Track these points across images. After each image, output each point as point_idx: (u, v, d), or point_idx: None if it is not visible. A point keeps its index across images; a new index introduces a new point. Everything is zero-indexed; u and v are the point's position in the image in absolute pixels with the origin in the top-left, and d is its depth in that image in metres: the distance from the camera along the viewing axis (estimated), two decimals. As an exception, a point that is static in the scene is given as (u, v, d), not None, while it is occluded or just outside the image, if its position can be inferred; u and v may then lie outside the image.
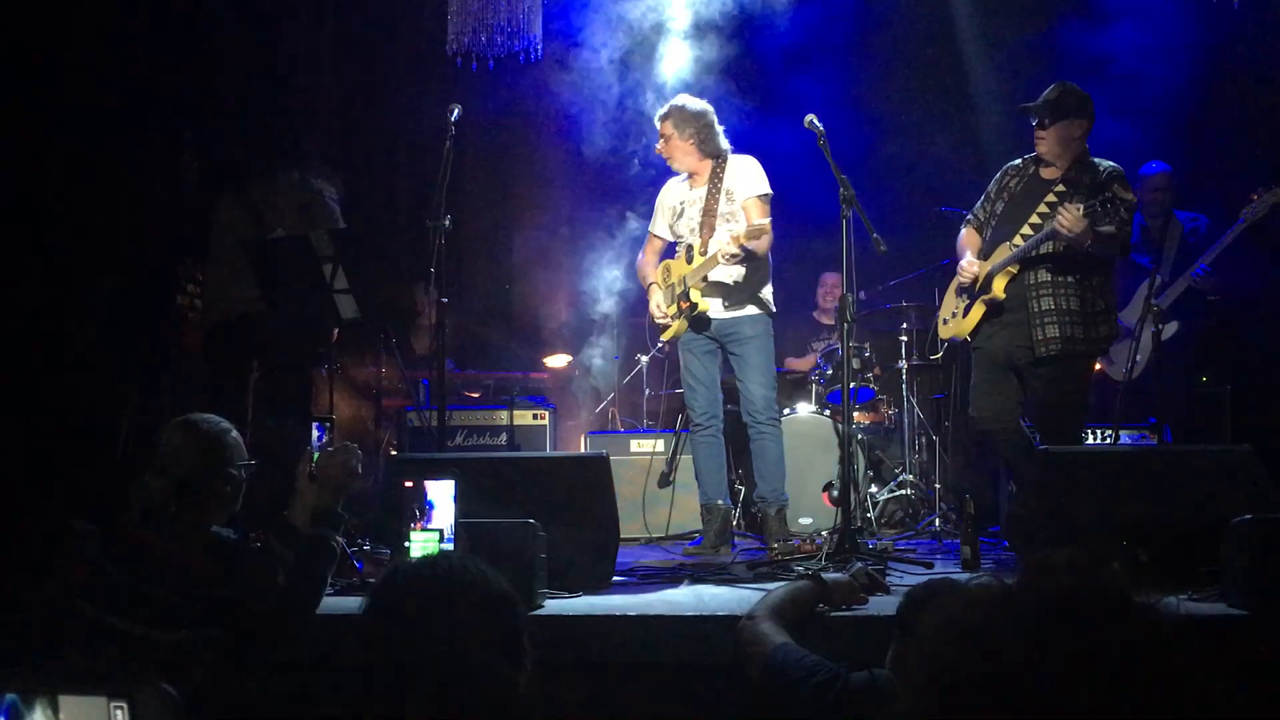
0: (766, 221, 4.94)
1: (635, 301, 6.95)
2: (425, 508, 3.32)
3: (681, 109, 5.13)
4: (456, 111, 5.04)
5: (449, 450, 5.27)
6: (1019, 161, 4.88)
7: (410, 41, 7.59)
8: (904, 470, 6.41)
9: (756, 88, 7.21)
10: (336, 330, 5.47)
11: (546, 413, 6.17)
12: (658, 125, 5.19)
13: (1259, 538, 3.22)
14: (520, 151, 7.85)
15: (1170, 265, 6.04)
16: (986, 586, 1.15)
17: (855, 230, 4.67)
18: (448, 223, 4.86)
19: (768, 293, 5.15)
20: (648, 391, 6.89)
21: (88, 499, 4.26)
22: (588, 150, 7.59)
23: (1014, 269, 4.64)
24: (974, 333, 4.78)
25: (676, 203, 5.28)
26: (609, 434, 6.55)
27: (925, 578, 3.51)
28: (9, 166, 5.69)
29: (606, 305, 7.11)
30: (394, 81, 7.78)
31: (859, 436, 6.18)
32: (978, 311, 4.73)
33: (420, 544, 3.32)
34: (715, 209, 5.06)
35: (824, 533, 5.36)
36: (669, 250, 5.34)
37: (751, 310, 5.10)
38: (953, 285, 4.97)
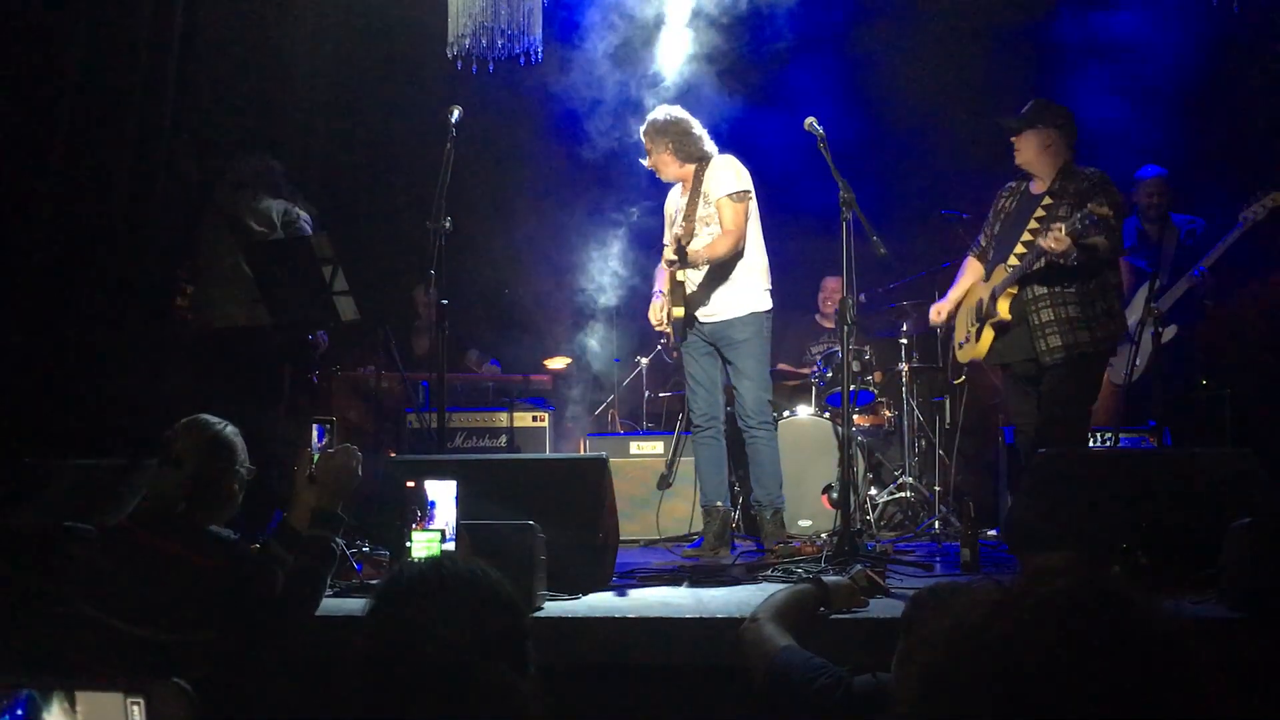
0: (732, 221, 4.96)
1: (635, 303, 6.95)
2: (427, 508, 3.32)
3: (654, 122, 5.16)
4: (457, 114, 5.04)
5: (448, 451, 5.27)
6: (1012, 183, 4.99)
7: (410, 44, 7.59)
8: (903, 473, 6.41)
9: (756, 87, 7.21)
10: (321, 339, 5.53)
11: (546, 414, 6.17)
12: (642, 140, 5.22)
13: (1258, 541, 3.22)
14: (520, 154, 7.84)
15: (1168, 268, 6.04)
16: (985, 588, 1.15)
17: (855, 233, 4.68)
18: (448, 224, 4.86)
19: (759, 290, 5.13)
20: (647, 393, 6.89)
21: (87, 499, 4.27)
22: (588, 153, 7.59)
23: (1014, 289, 4.73)
24: (989, 354, 4.87)
25: (673, 211, 5.30)
26: (608, 436, 6.55)
27: (931, 582, 3.52)
28: (8, 166, 5.69)
29: (606, 307, 7.11)
30: (394, 84, 7.78)
31: (859, 439, 6.18)
32: (988, 335, 4.84)
33: (421, 544, 3.33)
34: (695, 213, 5.07)
35: (824, 535, 5.37)
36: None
37: (740, 312, 5.09)
38: (962, 310, 5.07)
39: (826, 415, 6.35)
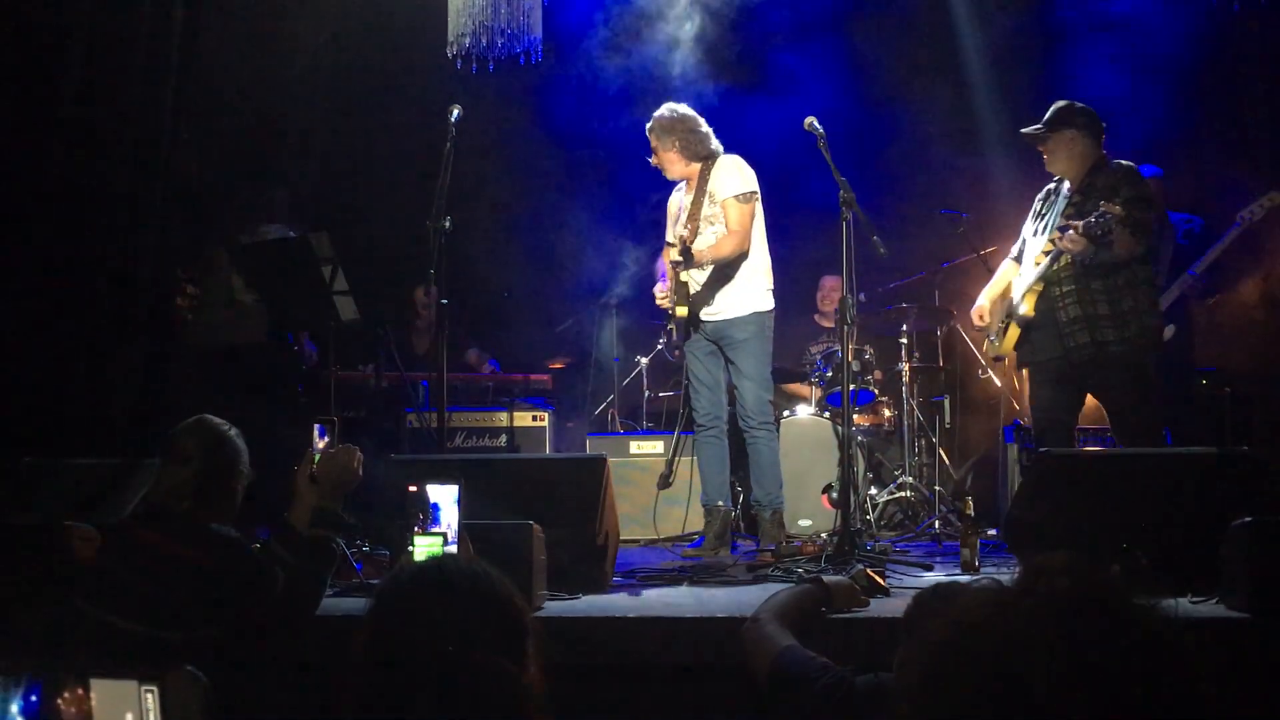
0: (738, 221, 4.97)
1: (635, 303, 6.95)
2: (430, 511, 3.32)
3: (661, 119, 5.15)
4: (457, 113, 5.04)
5: (448, 452, 5.27)
6: (1050, 185, 4.98)
7: (410, 43, 7.59)
8: (903, 472, 6.42)
9: (755, 86, 7.21)
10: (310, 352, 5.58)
11: (546, 414, 6.17)
12: (648, 138, 5.21)
13: (1258, 540, 3.22)
14: (520, 153, 7.84)
15: (1165, 268, 6.04)
16: (985, 588, 1.16)
17: (855, 232, 4.68)
18: (447, 224, 4.86)
19: (762, 290, 5.13)
20: (647, 393, 6.89)
21: (87, 499, 4.27)
22: (589, 152, 7.60)
23: (1040, 286, 4.73)
24: (1017, 349, 4.86)
25: (676, 209, 5.30)
26: (608, 435, 6.55)
27: (932, 582, 3.52)
28: (8, 166, 5.69)
29: (608, 306, 7.11)
30: (394, 83, 7.78)
31: (859, 439, 6.18)
32: (1013, 332, 4.83)
33: (424, 548, 3.32)
34: (699, 212, 5.07)
35: (824, 535, 5.37)
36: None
37: (741, 311, 5.09)
38: (991, 302, 5.05)
39: (827, 415, 6.35)
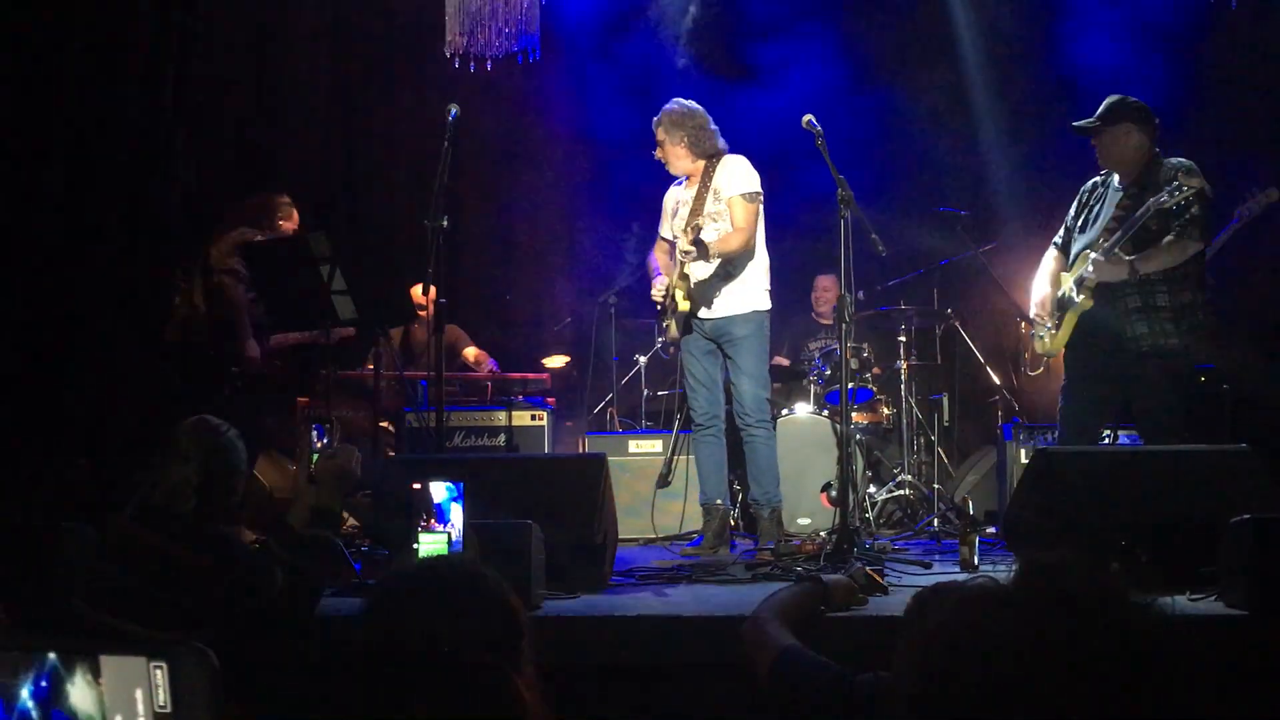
0: (744, 220, 4.97)
1: (635, 302, 6.95)
2: (434, 511, 3.32)
3: (670, 113, 5.15)
4: (454, 112, 5.04)
5: (447, 451, 5.27)
6: (1097, 177, 4.93)
7: (408, 42, 7.59)
8: (902, 470, 6.42)
9: (751, 84, 7.21)
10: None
11: (544, 413, 6.17)
12: (654, 131, 5.20)
13: (1257, 537, 3.22)
14: (518, 152, 7.84)
15: None
16: (982, 586, 1.15)
17: (852, 230, 4.68)
18: (445, 223, 4.86)
19: (761, 290, 5.14)
20: (646, 392, 6.89)
21: (84, 499, 4.27)
22: (587, 150, 7.60)
23: (1094, 282, 4.66)
24: (1068, 344, 4.81)
25: (674, 203, 5.29)
26: (607, 434, 6.54)
27: (932, 581, 3.51)
28: (8, 167, 5.69)
29: (606, 305, 7.11)
30: (392, 82, 7.77)
31: (857, 437, 6.18)
32: (1070, 323, 4.76)
33: (428, 547, 3.32)
34: (702, 208, 5.06)
35: (822, 533, 5.37)
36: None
37: (741, 309, 5.09)
38: (1042, 302, 4.99)
39: (825, 413, 6.35)
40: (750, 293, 5.11)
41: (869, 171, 6.40)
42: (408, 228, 7.38)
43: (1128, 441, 5.58)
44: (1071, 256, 4.87)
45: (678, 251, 5.05)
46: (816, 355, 6.87)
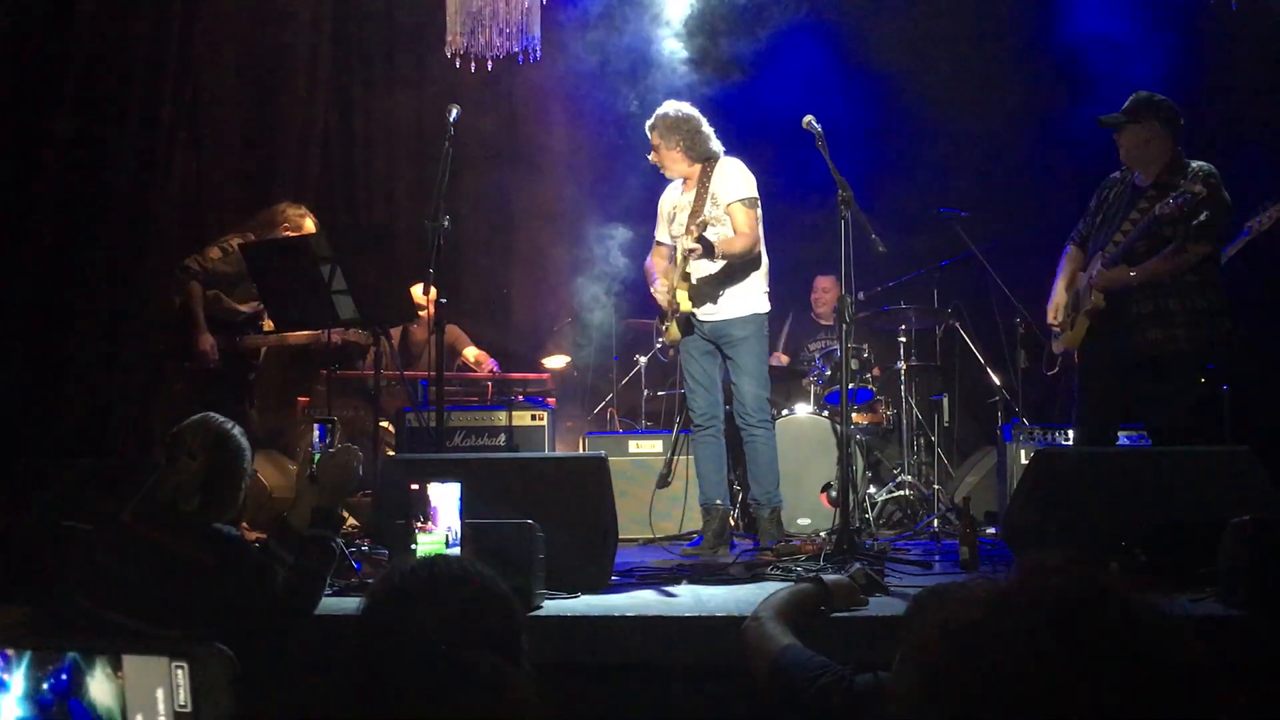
0: (747, 225, 4.98)
1: (635, 302, 6.95)
2: (429, 512, 3.32)
3: (665, 117, 5.14)
4: (455, 112, 5.04)
5: (447, 451, 5.27)
6: (1116, 174, 4.90)
7: (409, 42, 7.59)
8: (902, 471, 6.42)
9: (757, 86, 7.21)
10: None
11: (545, 413, 6.16)
12: (648, 135, 5.20)
13: (1256, 539, 3.22)
14: (519, 152, 7.84)
15: None
16: (982, 586, 1.15)
17: (852, 231, 4.68)
18: (446, 223, 4.86)
19: (760, 292, 5.15)
20: (646, 392, 6.89)
21: (87, 499, 4.27)
22: (587, 151, 7.59)
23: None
24: (1082, 345, 4.80)
25: (670, 207, 5.29)
26: (607, 434, 6.55)
27: (933, 582, 3.51)
28: (9, 166, 5.69)
29: (606, 306, 7.11)
30: (393, 82, 7.78)
31: (857, 437, 6.18)
32: (1083, 324, 4.76)
33: (426, 548, 3.32)
34: (700, 212, 5.06)
35: (823, 533, 5.37)
36: (674, 255, 5.35)
37: (742, 311, 5.10)
38: (1060, 299, 4.98)
39: (825, 414, 6.35)
40: (750, 295, 5.11)
41: (869, 172, 6.40)
42: (409, 227, 7.39)
43: (1127, 442, 5.58)
44: (1089, 255, 4.87)
45: (680, 250, 5.04)
46: (816, 356, 6.87)
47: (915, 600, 2.37)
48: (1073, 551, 1.14)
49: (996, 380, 6.49)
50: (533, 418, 6.08)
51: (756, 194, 5.09)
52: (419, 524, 3.29)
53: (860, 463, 6.15)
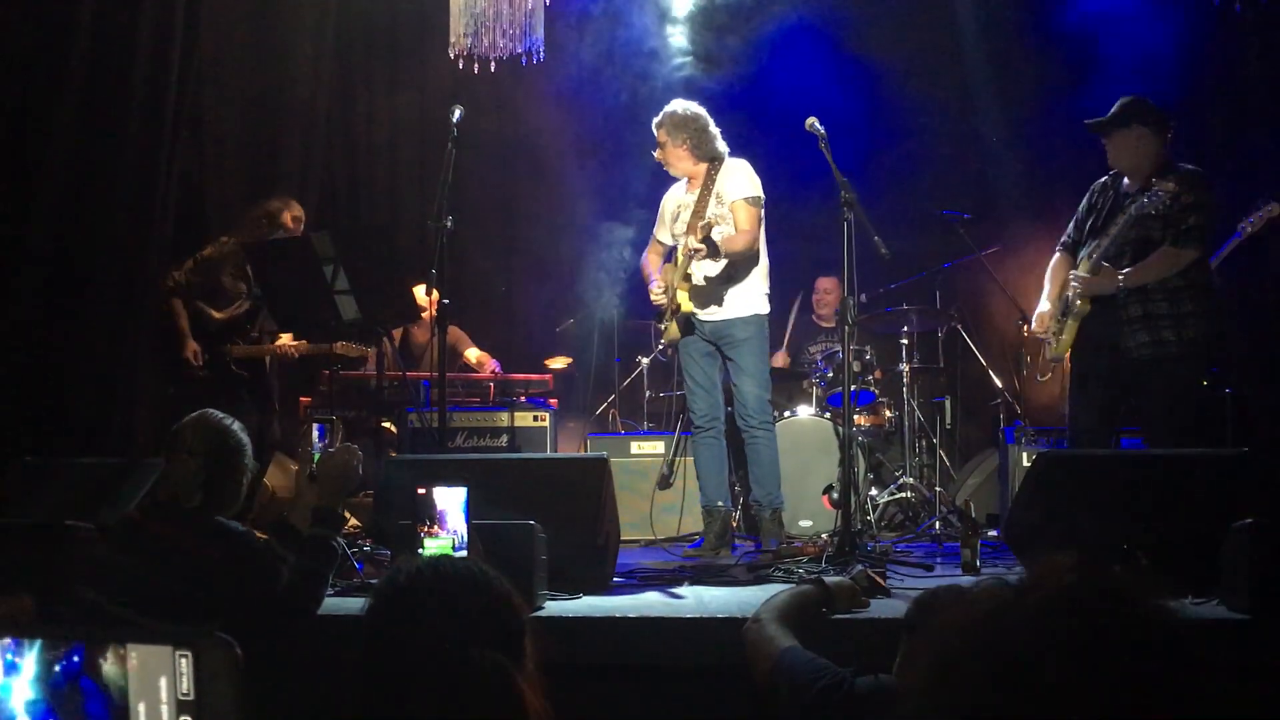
0: (748, 223, 4.97)
1: (637, 303, 6.95)
2: (436, 515, 3.32)
3: (673, 115, 5.14)
4: (458, 113, 5.04)
5: (449, 452, 5.27)
6: (1105, 178, 4.89)
7: (412, 42, 7.59)
8: (904, 473, 6.41)
9: (759, 87, 7.21)
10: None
11: (547, 414, 6.17)
12: (654, 133, 5.20)
13: (1259, 542, 3.22)
14: (522, 153, 7.85)
15: None
16: (990, 586, 1.15)
17: (854, 233, 4.68)
18: (449, 223, 4.86)
19: (761, 294, 5.15)
20: (648, 393, 6.89)
21: (88, 498, 4.27)
22: (589, 151, 7.60)
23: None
24: (1073, 349, 4.80)
25: (674, 207, 5.29)
26: (609, 435, 6.55)
27: (933, 583, 3.51)
28: (11, 166, 5.69)
29: (609, 307, 7.11)
30: (396, 82, 7.78)
31: (859, 439, 6.18)
32: (1072, 328, 4.75)
33: (433, 551, 3.31)
34: (704, 211, 5.06)
35: (824, 535, 5.37)
36: (670, 255, 5.36)
37: (743, 312, 5.10)
38: (1045, 308, 4.96)
39: (827, 415, 6.35)
40: (751, 296, 5.11)
41: (872, 174, 6.40)
42: (412, 228, 7.40)
43: (1129, 445, 5.58)
44: (1079, 259, 4.87)
45: (684, 250, 5.03)
46: (818, 358, 6.87)
47: (916, 602, 2.37)
48: (1082, 552, 1.14)
49: (998, 383, 6.48)
50: (535, 419, 6.09)
51: (761, 194, 5.10)
52: (425, 528, 3.29)
53: (862, 465, 6.15)
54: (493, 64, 6.03)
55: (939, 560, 4.67)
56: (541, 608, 3.43)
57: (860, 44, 7.44)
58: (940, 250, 6.77)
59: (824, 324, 7.39)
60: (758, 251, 5.11)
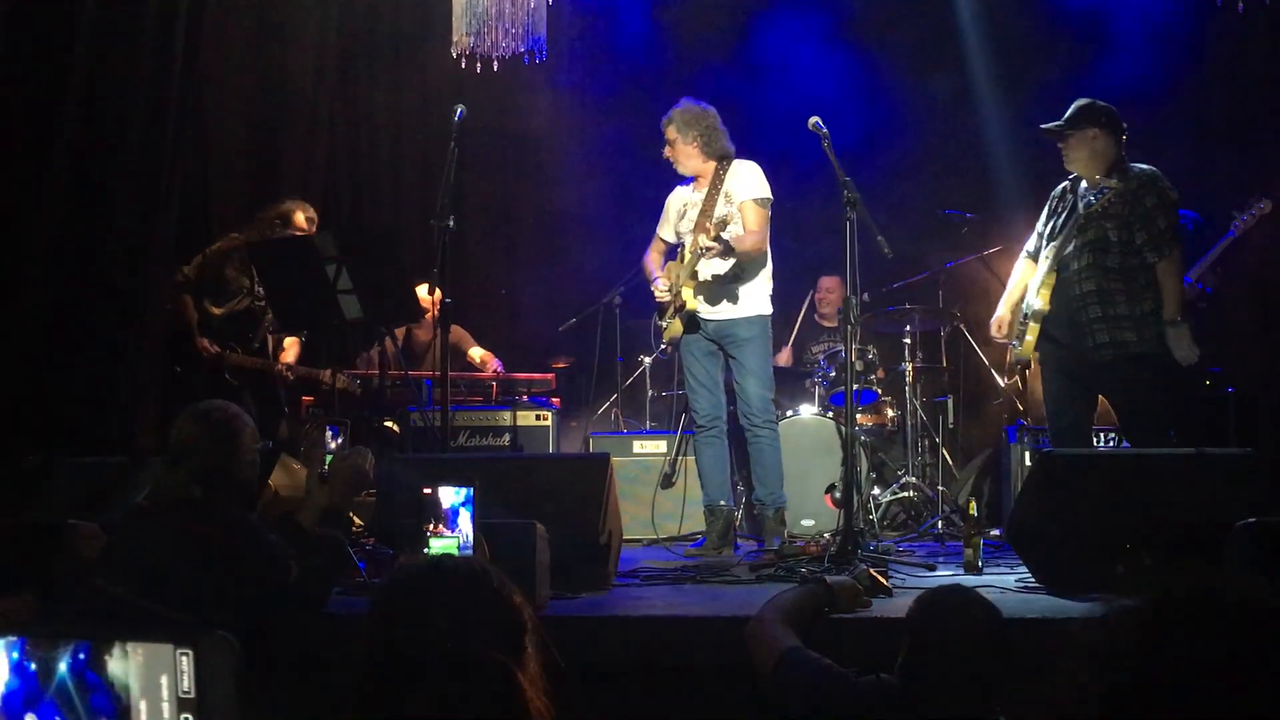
0: (757, 224, 4.98)
1: (640, 302, 6.95)
2: (443, 515, 3.32)
3: (683, 112, 5.14)
4: (461, 112, 5.04)
5: (451, 451, 5.27)
6: (1066, 182, 4.91)
7: (414, 41, 7.60)
8: (906, 472, 6.41)
9: (759, 91, 7.21)
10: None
11: (549, 413, 6.17)
12: (663, 130, 5.19)
13: (1262, 542, 3.22)
14: (525, 152, 7.85)
15: None
16: (1118, 611, 1.15)
17: (856, 232, 4.68)
18: (452, 223, 4.86)
19: (765, 294, 5.16)
20: (650, 392, 6.89)
21: (89, 497, 4.28)
22: (593, 150, 7.60)
23: (1052, 279, 4.69)
24: (1037, 349, 4.81)
25: (681, 205, 5.28)
26: (611, 435, 6.55)
27: (935, 583, 3.51)
28: (13, 164, 5.69)
29: (612, 306, 7.11)
30: (398, 81, 7.78)
31: (862, 438, 6.18)
32: (1034, 330, 4.76)
33: (438, 551, 3.32)
34: (712, 210, 5.06)
35: (826, 535, 5.37)
36: (672, 253, 5.35)
37: (747, 312, 5.10)
38: (1002, 314, 5.00)
39: (830, 415, 6.35)
40: (755, 295, 5.12)
41: (874, 173, 6.40)
42: (414, 228, 7.40)
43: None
44: (1039, 261, 4.89)
45: (692, 247, 5.03)
46: (820, 357, 6.86)
47: (918, 602, 2.37)
48: (1208, 568, 1.18)
49: (1001, 382, 6.48)
50: (537, 418, 6.09)
51: (770, 196, 5.10)
52: (431, 527, 3.29)
53: (864, 464, 6.15)
54: (495, 63, 6.04)
55: (941, 560, 4.68)
56: (544, 607, 3.43)
57: (864, 42, 7.44)
58: (943, 249, 6.77)
59: (826, 323, 7.39)
60: (765, 252, 5.12)
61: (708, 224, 4.99)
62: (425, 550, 3.26)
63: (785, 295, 5.61)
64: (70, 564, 3.12)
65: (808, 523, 5.98)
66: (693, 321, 5.11)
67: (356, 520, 5.07)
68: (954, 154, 7.37)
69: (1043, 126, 4.81)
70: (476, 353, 6.76)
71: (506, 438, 6.06)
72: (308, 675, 2.93)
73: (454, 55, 5.99)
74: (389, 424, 5.95)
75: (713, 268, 5.06)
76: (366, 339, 6.31)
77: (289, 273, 5.01)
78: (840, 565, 4.13)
